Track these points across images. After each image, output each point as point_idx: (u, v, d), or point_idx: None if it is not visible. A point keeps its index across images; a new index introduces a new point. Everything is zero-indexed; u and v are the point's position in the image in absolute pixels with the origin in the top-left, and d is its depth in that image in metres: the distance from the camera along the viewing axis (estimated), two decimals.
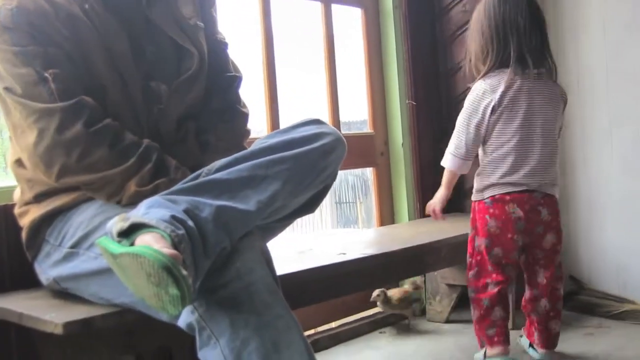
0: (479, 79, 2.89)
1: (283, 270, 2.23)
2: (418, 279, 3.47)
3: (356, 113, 4.18)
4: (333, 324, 3.50)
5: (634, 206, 3.63)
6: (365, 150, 3.81)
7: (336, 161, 2.06)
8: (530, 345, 2.99)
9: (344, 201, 6.54)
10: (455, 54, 3.97)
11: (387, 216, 3.90)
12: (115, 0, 2.08)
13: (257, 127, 3.19)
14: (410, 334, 3.51)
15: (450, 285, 3.62)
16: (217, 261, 1.76)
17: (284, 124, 3.28)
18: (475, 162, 2.96)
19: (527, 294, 2.97)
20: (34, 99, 1.93)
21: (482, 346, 2.91)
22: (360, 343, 3.34)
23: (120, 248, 1.63)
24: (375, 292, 3.33)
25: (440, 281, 3.64)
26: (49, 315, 1.85)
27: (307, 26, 3.85)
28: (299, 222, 5.23)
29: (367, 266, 2.75)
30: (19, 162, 2.10)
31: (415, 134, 3.88)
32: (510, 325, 2.96)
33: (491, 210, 2.83)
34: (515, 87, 2.81)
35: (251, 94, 2.92)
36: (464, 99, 3.69)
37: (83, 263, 1.95)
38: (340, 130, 2.75)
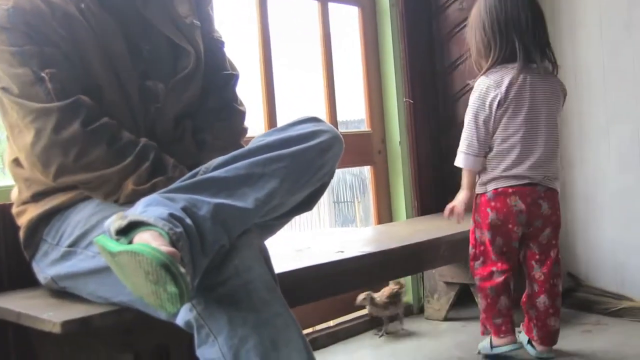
0: (482, 76, 2.93)
1: (281, 268, 2.23)
2: (402, 281, 3.44)
3: (353, 112, 4.19)
4: (331, 323, 3.50)
5: (632, 203, 3.63)
6: (363, 148, 3.81)
7: (333, 159, 2.06)
8: (529, 342, 3.00)
9: (342, 200, 6.56)
10: (452, 52, 3.97)
11: (385, 214, 3.90)
12: None
13: (255, 125, 3.18)
14: (408, 331, 3.51)
15: (448, 283, 3.62)
16: (215, 259, 1.76)
17: (281, 122, 3.28)
18: None
19: (527, 289, 3.00)
20: (31, 99, 1.93)
21: (483, 333, 3.01)
22: (358, 341, 3.34)
23: (119, 246, 1.63)
24: (361, 296, 3.29)
25: (438, 279, 3.64)
26: (46, 314, 1.85)
27: (304, 25, 3.85)
28: (297, 221, 5.24)
29: (365, 264, 2.76)
30: (16, 162, 2.10)
31: (413, 132, 3.88)
32: None
33: (492, 204, 2.88)
34: (519, 82, 2.86)
35: (248, 92, 2.92)
36: (461, 97, 3.72)
37: (81, 262, 1.95)
38: (337, 129, 2.75)
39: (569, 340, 3.13)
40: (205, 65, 2.27)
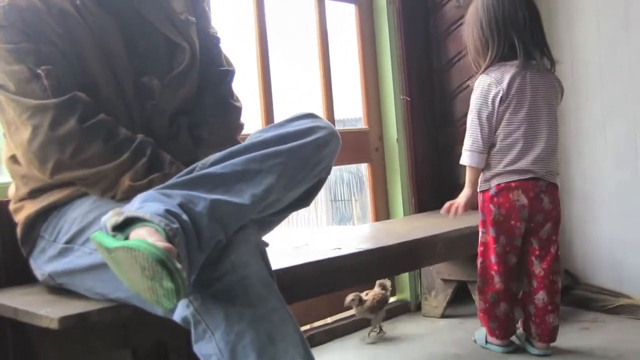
0: (482, 74, 2.97)
1: (278, 265, 2.24)
2: (387, 282, 3.36)
3: (350, 110, 4.19)
4: (329, 319, 3.50)
5: (628, 200, 3.63)
6: (360, 146, 3.81)
7: (330, 155, 2.06)
8: (527, 339, 3.01)
9: (340, 199, 6.56)
10: (449, 49, 3.98)
11: (382, 212, 3.91)
12: None
13: (252, 122, 3.19)
14: (407, 327, 3.52)
15: (445, 280, 3.62)
16: (212, 255, 1.76)
17: (278, 119, 3.28)
18: None
19: (526, 287, 3.02)
20: (27, 96, 1.93)
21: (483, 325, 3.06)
22: (355, 338, 3.34)
23: (115, 242, 1.63)
24: (350, 297, 3.24)
25: (436, 276, 3.64)
26: (44, 310, 1.85)
27: (301, 22, 3.85)
28: (294, 219, 5.24)
29: (362, 261, 2.76)
30: (13, 159, 2.10)
31: (410, 129, 3.89)
32: None
33: (495, 199, 2.92)
34: (519, 78, 2.90)
35: (246, 89, 2.93)
36: (458, 95, 3.73)
37: (78, 258, 1.95)
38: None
39: (566, 337, 3.14)
40: (200, 62, 2.27)
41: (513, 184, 2.89)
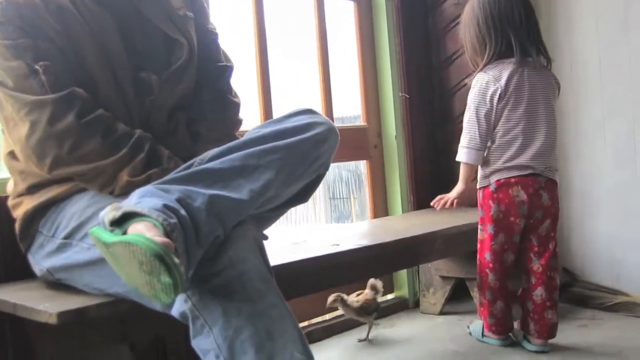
0: (479, 72, 2.99)
1: (277, 261, 2.24)
2: (378, 282, 3.27)
3: (349, 108, 4.19)
4: (327, 316, 3.50)
5: (627, 199, 3.64)
6: (359, 143, 3.82)
7: (329, 151, 2.07)
8: (524, 337, 3.02)
9: (338, 197, 6.55)
10: (447, 46, 3.97)
11: (381, 209, 3.91)
12: None
13: (250, 118, 3.19)
14: (405, 324, 3.52)
15: (444, 277, 3.62)
16: (210, 250, 1.77)
17: (277, 115, 3.28)
18: None
19: (524, 284, 3.04)
20: (26, 92, 1.93)
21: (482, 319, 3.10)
22: (354, 335, 3.34)
23: (113, 237, 1.63)
24: (331, 298, 3.14)
25: (434, 273, 3.64)
26: (43, 305, 1.85)
27: (300, 19, 3.85)
28: (293, 216, 5.24)
29: (360, 257, 2.76)
30: (11, 155, 2.10)
31: (409, 126, 3.89)
32: None
33: (495, 195, 2.94)
34: (517, 75, 2.93)
35: (244, 85, 2.93)
36: (457, 92, 3.73)
37: (76, 254, 1.95)
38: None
39: (564, 334, 3.14)
40: (199, 57, 2.28)
41: (513, 180, 2.91)
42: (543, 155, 2.92)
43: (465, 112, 3.01)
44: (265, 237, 2.15)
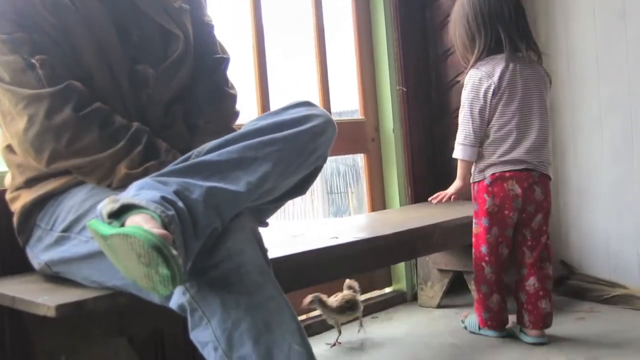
0: (472, 68, 3.01)
1: (275, 254, 2.24)
2: (354, 282, 3.17)
3: (347, 102, 4.18)
4: None
5: (624, 194, 3.64)
6: (356, 136, 3.81)
7: (326, 143, 2.07)
8: (521, 330, 3.03)
9: (336, 191, 6.54)
10: (445, 40, 3.97)
11: (379, 202, 3.91)
12: None
13: (248, 110, 3.18)
14: (403, 317, 3.52)
15: (441, 271, 3.63)
16: (207, 242, 1.77)
17: (274, 107, 3.27)
18: None
19: (517, 276, 3.06)
20: (23, 86, 1.93)
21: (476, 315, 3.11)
22: (352, 328, 3.34)
23: (111, 229, 1.64)
24: (308, 298, 2.99)
25: (432, 266, 3.64)
26: (41, 298, 1.85)
27: (298, 14, 3.84)
28: (290, 211, 5.24)
29: (359, 250, 2.77)
30: (9, 148, 2.10)
31: (406, 119, 3.89)
32: None
33: (490, 189, 2.96)
34: (510, 70, 2.95)
35: (242, 78, 2.92)
36: (454, 85, 3.73)
37: (74, 247, 1.95)
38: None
39: (562, 327, 3.15)
40: (195, 49, 2.27)
41: (507, 174, 2.93)
42: (537, 150, 2.94)
43: (460, 109, 3.03)
44: (266, 224, 2.16)
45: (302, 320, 3.11)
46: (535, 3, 3.82)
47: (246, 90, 3.24)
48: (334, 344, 3.13)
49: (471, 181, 3.05)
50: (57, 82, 1.93)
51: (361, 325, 3.21)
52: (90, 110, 1.95)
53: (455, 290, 3.69)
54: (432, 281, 3.67)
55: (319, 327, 3.29)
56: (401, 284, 3.87)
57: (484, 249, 3.00)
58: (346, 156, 4.44)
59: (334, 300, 3.06)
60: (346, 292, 3.13)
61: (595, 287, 3.65)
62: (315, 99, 3.65)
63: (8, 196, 2.15)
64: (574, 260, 3.83)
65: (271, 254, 1.93)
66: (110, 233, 1.63)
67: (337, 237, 2.76)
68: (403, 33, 3.91)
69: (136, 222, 1.61)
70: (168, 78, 2.17)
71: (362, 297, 3.48)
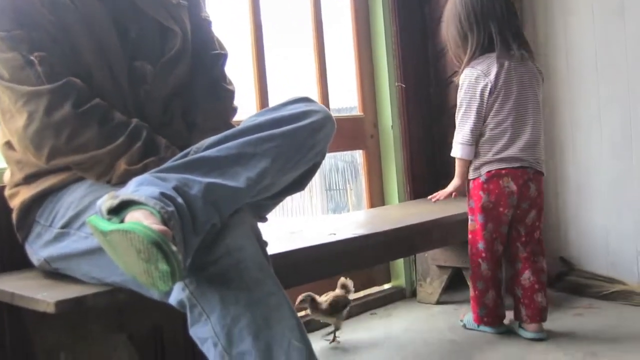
0: (467, 67, 3.03)
1: (274, 250, 2.24)
2: (348, 281, 3.14)
3: (346, 99, 4.19)
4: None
5: (623, 189, 3.64)
6: (355, 132, 3.81)
7: (325, 139, 2.07)
8: (520, 325, 3.04)
9: (334, 188, 6.56)
10: (443, 36, 3.96)
11: (377, 198, 3.90)
12: None
13: (246, 107, 3.18)
14: (402, 313, 3.53)
15: (440, 267, 3.63)
16: (206, 238, 1.77)
17: (273, 104, 3.27)
18: None
19: (511, 272, 3.09)
20: (22, 83, 1.93)
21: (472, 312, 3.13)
22: (351, 324, 3.35)
23: (110, 225, 1.64)
24: (300, 298, 2.97)
25: (431, 263, 3.65)
26: (41, 294, 1.85)
27: (296, 9, 3.84)
28: (289, 207, 5.24)
29: (357, 246, 2.77)
30: (8, 145, 2.11)
31: (405, 116, 3.88)
32: None
33: (485, 186, 2.97)
34: (505, 69, 2.96)
35: (240, 77, 2.92)
36: (453, 81, 3.72)
37: (74, 243, 1.95)
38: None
39: (560, 322, 3.16)
40: (193, 46, 2.27)
41: (503, 171, 2.95)
42: (531, 147, 2.97)
43: (457, 108, 3.05)
44: (265, 220, 2.16)
45: (301, 316, 3.12)
46: (534, 0, 3.82)
47: (245, 86, 3.25)
48: (332, 340, 3.13)
49: (468, 178, 3.06)
50: (56, 79, 1.93)
51: (334, 332, 3.13)
52: (89, 106, 1.95)
53: (454, 286, 3.69)
54: (431, 277, 3.67)
55: (318, 324, 3.28)
56: (400, 280, 3.87)
57: (480, 245, 3.01)
58: (345, 153, 4.44)
59: (324, 299, 3.03)
60: (337, 292, 3.10)
61: (594, 283, 3.65)
62: (314, 95, 3.65)
63: (7, 192, 2.15)
64: (573, 257, 3.83)
65: (269, 251, 1.92)
66: (109, 229, 1.63)
67: (335, 234, 2.76)
68: (402, 29, 3.90)
69: (136, 218, 1.61)
70: (166, 74, 2.17)
71: (358, 295, 3.50)
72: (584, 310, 3.41)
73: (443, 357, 2.93)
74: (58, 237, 2.00)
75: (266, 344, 1.70)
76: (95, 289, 1.90)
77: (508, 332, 3.08)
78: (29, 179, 2.08)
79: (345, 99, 4.20)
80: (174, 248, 1.56)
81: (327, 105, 3.66)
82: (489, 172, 2.96)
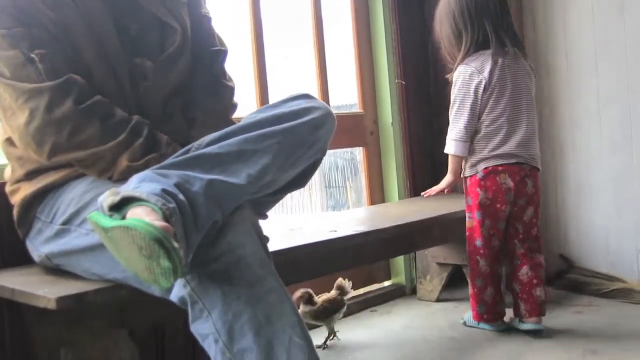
0: (461, 65, 3.04)
1: (273, 247, 2.23)
2: (346, 282, 3.10)
3: (346, 96, 4.19)
4: None
5: (623, 187, 3.64)
6: (355, 129, 3.81)
7: (326, 136, 2.07)
8: (520, 321, 3.04)
9: (334, 185, 6.54)
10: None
11: (377, 196, 3.90)
12: None
13: (247, 104, 3.18)
14: (402, 310, 3.53)
15: (440, 264, 3.63)
16: (208, 235, 1.77)
17: (273, 100, 3.27)
18: None
19: (509, 268, 3.10)
20: (23, 80, 1.94)
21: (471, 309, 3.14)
22: (351, 321, 3.35)
23: (112, 222, 1.64)
24: (297, 293, 2.92)
25: (431, 260, 3.65)
26: (41, 290, 1.85)
27: (296, 7, 3.84)
28: (289, 205, 5.23)
29: (357, 243, 2.77)
30: (9, 141, 2.11)
31: (405, 113, 3.89)
32: None
33: (482, 183, 2.99)
34: (499, 65, 2.98)
35: (241, 75, 2.92)
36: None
37: (75, 239, 1.95)
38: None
39: (560, 320, 3.16)
40: (193, 42, 2.27)
41: (500, 168, 2.97)
42: (527, 144, 2.98)
43: (451, 105, 3.06)
44: (266, 217, 2.16)
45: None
46: (534, 0, 3.82)
47: (245, 83, 3.25)
48: (324, 344, 3.07)
49: (463, 176, 3.08)
50: (57, 76, 1.93)
51: (329, 337, 3.09)
52: (90, 103, 1.95)
53: (454, 283, 3.69)
54: (431, 275, 3.67)
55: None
56: (400, 278, 3.87)
57: (478, 242, 3.03)
58: (344, 150, 4.43)
59: (316, 301, 2.98)
60: (332, 293, 3.06)
61: (594, 280, 3.66)
62: (314, 92, 3.64)
63: (8, 189, 2.16)
64: (572, 255, 3.83)
65: (270, 247, 1.93)
66: (111, 225, 1.63)
67: (335, 231, 2.76)
68: (402, 26, 3.90)
69: (137, 215, 1.61)
70: (166, 71, 2.17)
71: (358, 292, 3.50)
72: (584, 308, 3.41)
73: (443, 354, 2.93)
74: (59, 234, 2.00)
75: (267, 340, 1.70)
76: (97, 286, 1.90)
77: (508, 330, 3.08)
78: (30, 176, 2.08)
79: (345, 96, 4.20)
80: (176, 244, 1.56)
81: (327, 102, 3.66)
82: (485, 168, 2.97)
